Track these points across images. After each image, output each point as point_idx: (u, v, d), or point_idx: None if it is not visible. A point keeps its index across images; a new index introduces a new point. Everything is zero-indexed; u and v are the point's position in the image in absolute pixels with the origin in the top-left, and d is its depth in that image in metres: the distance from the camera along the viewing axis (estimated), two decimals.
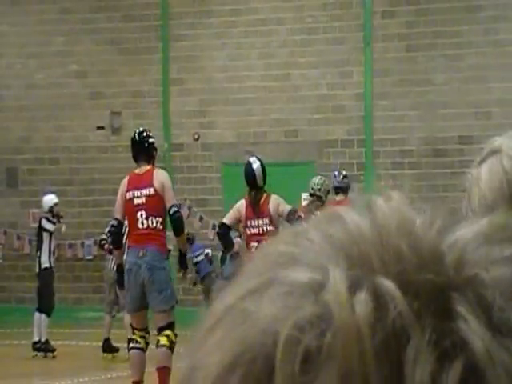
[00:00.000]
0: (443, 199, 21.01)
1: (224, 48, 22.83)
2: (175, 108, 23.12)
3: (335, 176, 13.01)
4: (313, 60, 22.10)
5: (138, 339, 8.96)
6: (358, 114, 21.88)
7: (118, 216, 9.25)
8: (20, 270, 23.44)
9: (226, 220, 10.02)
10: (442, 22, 21.36)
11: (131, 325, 9.04)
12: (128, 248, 9.13)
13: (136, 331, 8.91)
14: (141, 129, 10.25)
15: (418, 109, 21.47)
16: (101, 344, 16.83)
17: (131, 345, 8.80)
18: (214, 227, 22.12)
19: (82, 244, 23.59)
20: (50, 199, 16.48)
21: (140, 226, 9.03)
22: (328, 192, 12.86)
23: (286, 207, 9.98)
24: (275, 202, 9.90)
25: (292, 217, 9.67)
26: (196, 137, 22.93)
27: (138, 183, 9.24)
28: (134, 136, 9.85)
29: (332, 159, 21.81)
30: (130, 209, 9.12)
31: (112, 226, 9.38)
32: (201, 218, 22.72)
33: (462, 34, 21.28)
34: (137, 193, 9.16)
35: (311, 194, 12.14)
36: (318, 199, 11.93)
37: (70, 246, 23.58)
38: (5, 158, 24.01)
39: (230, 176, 22.12)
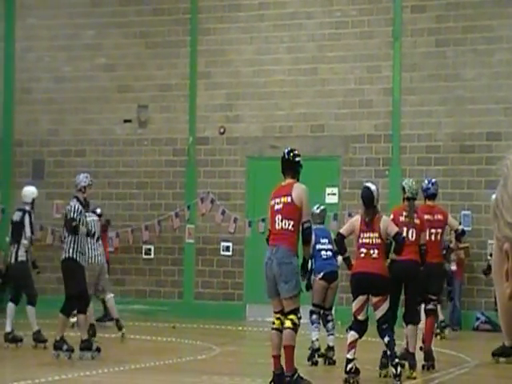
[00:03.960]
0: (468, 196, 19.89)
1: (252, 42, 21.97)
2: (202, 102, 22.25)
3: (432, 183, 12.96)
4: (341, 54, 21.17)
5: (275, 321, 10.05)
6: (386, 109, 20.86)
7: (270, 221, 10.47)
8: (43, 260, 22.41)
9: (343, 231, 11.46)
10: (472, 16, 20.33)
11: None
12: (268, 245, 10.32)
13: (275, 314, 10.09)
14: (290, 148, 11.15)
15: (446, 104, 20.45)
16: (119, 336, 16.28)
17: (272, 326, 10.10)
18: (235, 220, 21.60)
19: None
20: (31, 192, 15.30)
21: (276, 227, 10.21)
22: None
23: (394, 229, 11.23)
24: (385, 223, 11.20)
25: (398, 237, 11.18)
26: (221, 130, 21.99)
27: (279, 192, 10.44)
28: (285, 154, 10.84)
29: (358, 154, 20.92)
30: (272, 213, 10.37)
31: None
32: (223, 212, 21.79)
33: (492, 29, 20.24)
34: (277, 200, 10.34)
35: (409, 198, 12.29)
36: (413, 201, 12.38)
37: None
38: (32, 150, 23.37)
39: (254, 170, 21.62)
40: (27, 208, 14.91)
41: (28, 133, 23.27)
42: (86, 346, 12.88)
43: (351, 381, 10.92)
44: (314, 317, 12.74)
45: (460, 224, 15.79)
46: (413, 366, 11.63)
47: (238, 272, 21.45)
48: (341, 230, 11.64)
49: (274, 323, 10.16)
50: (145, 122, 22.58)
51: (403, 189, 12.35)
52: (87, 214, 13.86)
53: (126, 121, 22.62)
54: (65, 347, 12.81)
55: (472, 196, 19.95)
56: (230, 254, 21.53)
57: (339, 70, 21.06)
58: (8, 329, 14.32)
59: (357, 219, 11.43)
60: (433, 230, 12.35)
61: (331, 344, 12.81)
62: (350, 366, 10.90)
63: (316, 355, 12.73)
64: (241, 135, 21.77)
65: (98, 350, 12.98)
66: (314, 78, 21.25)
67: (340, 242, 11.39)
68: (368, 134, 20.76)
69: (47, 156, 23.16)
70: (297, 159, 10.72)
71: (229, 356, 14.46)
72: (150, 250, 22.13)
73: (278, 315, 10.09)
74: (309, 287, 12.49)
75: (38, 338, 14.34)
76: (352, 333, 11.04)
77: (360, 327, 11.07)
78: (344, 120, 20.93)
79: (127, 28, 22.77)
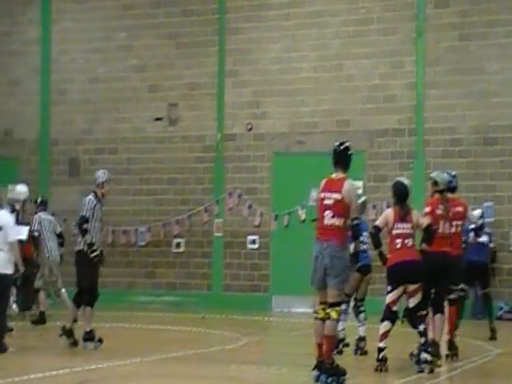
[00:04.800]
0: (491, 187, 19.01)
1: (278, 40, 21.04)
2: (229, 99, 21.38)
3: (453, 176, 12.34)
4: (365, 50, 20.20)
5: (320, 311, 9.82)
6: (410, 103, 19.85)
7: (317, 213, 10.02)
8: None
9: (378, 223, 11.02)
10: (496, 10, 19.20)
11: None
12: (316, 238, 9.93)
13: (319, 304, 9.90)
14: (340, 141, 10.27)
15: (469, 98, 19.35)
16: (153, 327, 16.09)
17: (314, 315, 9.89)
18: (261, 215, 20.99)
19: (136, 231, 21.91)
20: (25, 191, 14.68)
21: (325, 222, 9.83)
22: None
23: (425, 221, 11.00)
24: (416, 216, 10.99)
25: (430, 228, 10.99)
26: (249, 127, 21.21)
27: (330, 187, 9.92)
28: (336, 147, 10.14)
29: (382, 148, 20.01)
30: (321, 207, 9.94)
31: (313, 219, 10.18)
32: (250, 206, 21.07)
33: None
34: (328, 195, 9.89)
35: (443, 190, 11.83)
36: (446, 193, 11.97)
37: (124, 232, 22.01)
38: (68, 148, 22.70)
39: (281, 165, 20.92)
40: (17, 207, 14.41)
41: (64, 132, 22.71)
42: (90, 337, 12.42)
43: (382, 369, 10.60)
44: (343, 307, 12.16)
45: (481, 217, 15.30)
46: (438, 355, 11.31)
47: (264, 264, 20.87)
48: (376, 223, 11.12)
49: (317, 313, 9.91)
50: (175, 120, 21.98)
51: (435, 182, 11.81)
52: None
53: (156, 119, 22.01)
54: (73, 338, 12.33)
55: (495, 187, 19.04)
56: (256, 246, 20.95)
57: (364, 66, 20.18)
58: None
59: (390, 212, 11.02)
60: (453, 222, 11.86)
61: (363, 334, 12.29)
62: (381, 354, 10.63)
63: (341, 345, 12.10)
64: (267, 131, 21.04)
65: (101, 340, 12.51)
66: (339, 74, 20.40)
67: (376, 235, 10.93)
68: (392, 128, 19.94)
69: (82, 154, 22.57)
70: (349, 152, 10.13)
71: (256, 346, 14.02)
72: (180, 243, 21.59)
73: (324, 306, 9.86)
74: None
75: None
76: (386, 323, 10.70)
77: (394, 317, 10.77)
78: (368, 115, 20.08)
79: (157, 29, 22.07)
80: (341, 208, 9.80)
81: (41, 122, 22.97)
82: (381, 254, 10.82)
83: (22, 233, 14.69)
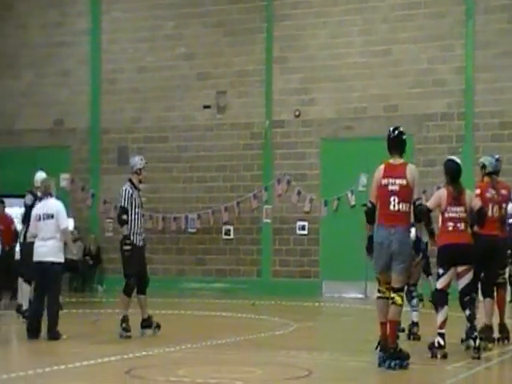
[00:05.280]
0: None
1: (326, 26, 20.76)
2: (277, 86, 21.17)
3: (497, 160, 12.03)
4: (413, 35, 19.85)
5: (384, 290, 9.75)
6: (459, 87, 19.49)
7: (373, 199, 9.85)
8: None
9: (429, 204, 10.61)
10: None
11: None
12: (380, 225, 9.74)
13: (382, 284, 9.83)
14: (394, 127, 10.05)
15: None
16: (203, 313, 15.95)
17: (378, 294, 9.81)
18: (310, 200, 20.75)
19: (186, 218, 21.78)
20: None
21: (392, 208, 9.68)
22: None
23: (478, 203, 10.86)
24: (470, 197, 10.74)
25: (482, 211, 10.86)
26: (297, 113, 20.97)
27: (392, 172, 9.70)
28: (390, 133, 9.91)
29: (431, 132, 19.67)
30: (385, 193, 9.73)
31: (367, 207, 9.89)
32: (299, 192, 20.87)
33: None
34: (391, 181, 9.68)
35: (491, 173, 11.67)
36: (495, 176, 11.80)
37: (175, 219, 21.89)
38: (117, 137, 22.64)
39: (329, 151, 20.66)
40: (38, 193, 14.30)
41: (113, 121, 22.67)
42: (147, 324, 12.23)
43: (443, 354, 10.27)
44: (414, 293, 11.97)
45: None
46: (490, 339, 11.14)
47: (314, 250, 20.65)
48: (428, 204, 10.73)
49: (380, 291, 9.80)
50: (223, 108, 21.81)
51: (483, 166, 11.61)
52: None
53: (205, 107, 21.86)
54: (123, 327, 12.09)
55: None
56: (305, 232, 20.75)
57: (412, 50, 19.83)
58: (20, 301, 14.15)
59: (443, 193, 10.69)
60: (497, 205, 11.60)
61: (415, 319, 12.02)
62: (444, 341, 10.28)
63: (415, 329, 11.95)
64: (315, 117, 20.78)
65: (158, 326, 12.33)
66: (387, 59, 20.07)
67: (427, 215, 10.51)
68: (441, 113, 19.59)
69: (131, 143, 22.49)
70: (403, 137, 9.92)
71: (306, 331, 13.75)
72: (229, 230, 21.45)
73: (387, 286, 9.76)
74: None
75: (19, 310, 14.04)
76: (445, 308, 10.39)
77: (447, 300, 10.47)
78: (417, 99, 19.73)
79: (205, 17, 21.90)
80: (406, 193, 9.65)
81: (91, 111, 22.95)
82: (431, 233, 10.56)
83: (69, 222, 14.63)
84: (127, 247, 11.92)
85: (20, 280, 14.32)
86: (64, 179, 22.72)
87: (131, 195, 12.04)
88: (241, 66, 21.53)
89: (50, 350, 11.23)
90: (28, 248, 13.74)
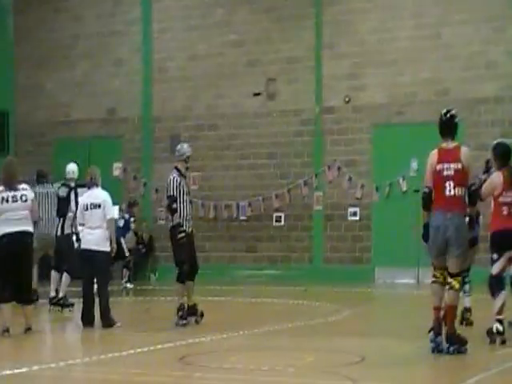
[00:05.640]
0: None
1: (375, 10, 20.49)
2: (327, 72, 20.95)
3: None
4: (465, 17, 19.49)
5: (438, 275, 9.66)
6: (511, 69, 19.09)
7: (429, 184, 9.72)
8: None
9: (485, 191, 10.32)
10: None
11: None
12: (436, 210, 9.63)
13: (437, 269, 9.72)
14: (446, 109, 9.81)
15: None
16: (255, 300, 15.92)
17: (433, 279, 9.73)
18: (362, 186, 20.57)
19: (237, 205, 21.73)
20: (77, 169, 14.42)
21: (447, 193, 9.57)
22: None
23: None
24: None
25: None
26: (347, 99, 20.76)
27: (447, 157, 9.53)
28: (442, 116, 9.73)
29: (483, 116, 19.34)
30: (440, 178, 9.59)
31: (424, 192, 9.76)
32: (350, 179, 20.71)
33: None
34: (446, 165, 9.53)
35: None
36: None
37: (226, 206, 21.85)
38: (169, 125, 22.62)
39: (380, 137, 20.42)
40: (72, 184, 14.29)
41: (165, 110, 22.67)
42: (192, 311, 12.06)
43: (502, 340, 10.08)
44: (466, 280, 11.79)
45: None
46: None
47: (366, 236, 20.46)
48: (482, 190, 10.45)
49: (434, 276, 9.70)
50: (273, 95, 21.67)
51: None
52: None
53: (255, 94, 21.75)
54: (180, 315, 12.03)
55: None
56: (357, 218, 20.59)
57: (463, 33, 19.47)
58: (52, 294, 14.02)
59: (498, 178, 10.37)
60: None
61: (468, 305, 11.81)
62: (502, 327, 10.11)
63: (468, 315, 11.76)
64: (366, 103, 20.54)
65: (202, 315, 12.19)
66: (438, 42, 19.73)
67: (475, 198, 10.31)
68: (493, 96, 19.24)
69: (183, 131, 22.47)
70: (455, 120, 9.72)
71: (358, 317, 13.62)
72: (280, 217, 21.36)
73: (442, 271, 9.67)
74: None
75: (64, 303, 13.94)
76: (503, 292, 10.20)
77: (504, 285, 10.29)
78: (468, 83, 19.40)
79: (255, 4, 21.74)
80: (462, 177, 9.51)
81: (143, 100, 22.98)
82: (471, 219, 10.31)
83: (115, 212, 14.65)
84: (181, 234, 11.92)
85: (53, 272, 14.22)
86: (116, 168, 22.84)
87: (179, 183, 12.01)
88: (290, 53, 21.37)
89: (104, 337, 11.28)
90: (66, 240, 13.83)
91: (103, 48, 23.29)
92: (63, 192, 14.15)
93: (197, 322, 12.05)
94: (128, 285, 18.95)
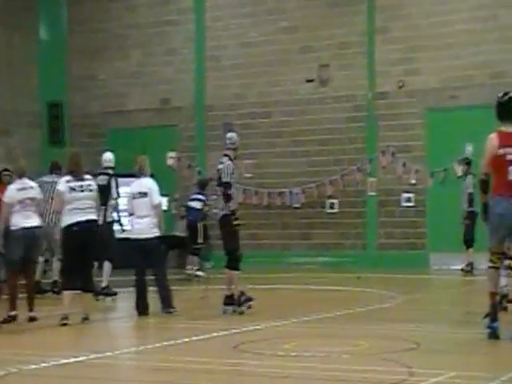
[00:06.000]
0: None
1: None
2: (380, 57, 20.77)
3: None
4: None
5: (495, 260, 9.43)
6: None
7: (486, 170, 9.44)
8: None
9: None
10: None
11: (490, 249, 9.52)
12: (498, 196, 9.35)
13: (494, 254, 9.48)
14: (504, 92, 9.54)
15: None
16: (308, 287, 15.83)
17: (490, 264, 9.45)
18: (416, 172, 20.38)
19: (290, 192, 21.67)
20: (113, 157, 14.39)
21: (511, 178, 9.28)
22: None
23: None
24: None
25: None
26: (400, 84, 20.56)
27: (509, 141, 9.23)
28: (499, 98, 9.44)
29: None
30: (502, 163, 9.28)
31: (482, 178, 9.50)
32: (403, 164, 20.51)
33: None
34: (509, 150, 9.23)
35: None
36: None
37: (279, 194, 21.81)
38: (222, 114, 22.59)
39: (434, 121, 20.19)
40: (111, 172, 14.30)
41: (218, 98, 22.66)
42: (230, 301, 11.95)
43: None
44: (505, 262, 11.54)
45: None
46: None
47: (421, 222, 20.25)
48: None
49: (492, 261, 9.46)
50: (326, 81, 21.55)
51: None
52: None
53: (308, 81, 21.65)
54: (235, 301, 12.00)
55: None
56: (411, 204, 20.40)
57: None
58: (104, 284, 14.05)
59: None
60: None
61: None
62: None
63: (504, 301, 11.51)
64: (419, 87, 20.29)
65: (249, 299, 11.99)
66: (493, 24, 19.41)
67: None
68: None
69: (236, 119, 22.42)
70: None
71: (413, 304, 13.48)
72: (333, 204, 21.25)
73: (499, 255, 9.51)
74: None
75: (108, 293, 14.03)
76: None
77: None
78: None
79: None
80: None
81: (196, 88, 23.03)
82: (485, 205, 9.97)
83: (163, 202, 14.66)
84: (237, 221, 11.95)
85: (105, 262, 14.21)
86: (171, 157, 22.94)
87: (233, 170, 12.02)
88: (343, 38, 21.21)
89: (159, 326, 11.34)
90: (108, 229, 13.88)
91: (156, 37, 23.37)
92: (103, 180, 14.17)
93: (234, 311, 11.92)
94: (199, 273, 18.44)
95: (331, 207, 21.26)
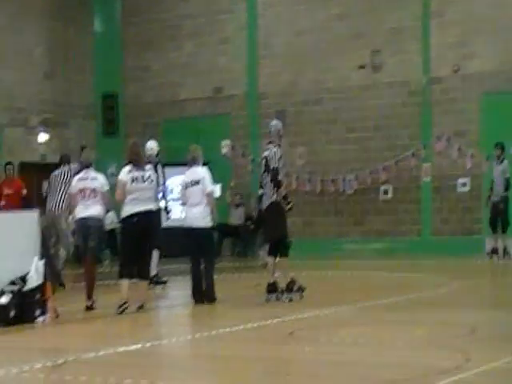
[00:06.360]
0: None
1: None
2: (435, 41, 20.49)
3: None
4: None
5: None
6: None
7: None
8: None
9: None
10: None
11: None
12: None
13: None
14: None
15: None
16: (363, 274, 15.76)
17: None
18: (472, 157, 20.10)
19: (344, 179, 21.53)
20: (155, 146, 14.26)
21: None
22: None
23: None
24: None
25: None
26: (456, 68, 20.25)
27: None
28: None
29: None
30: None
31: None
32: (459, 149, 20.24)
33: None
34: None
35: None
36: None
37: (333, 181, 21.69)
38: (275, 101, 22.51)
39: (490, 106, 19.88)
40: (154, 160, 14.24)
41: (271, 86, 22.59)
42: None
43: None
44: None
45: None
46: None
47: (477, 207, 19.91)
48: None
49: None
50: (379, 67, 21.33)
51: None
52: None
53: (360, 67, 21.46)
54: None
55: None
56: (467, 189, 20.12)
57: None
58: (153, 272, 13.92)
59: None
60: None
61: None
62: None
63: None
64: (475, 71, 19.98)
65: (302, 289, 11.87)
66: None
67: None
68: None
69: (289, 106, 22.38)
70: None
71: (469, 289, 13.31)
72: (387, 190, 21.07)
73: None
74: None
75: (158, 281, 14.03)
76: None
77: None
78: None
79: None
80: None
81: (248, 77, 23.00)
82: None
83: (216, 190, 14.62)
84: (290, 205, 11.90)
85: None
86: (225, 146, 22.95)
87: (280, 157, 11.96)
88: (396, 23, 20.96)
89: (214, 313, 11.35)
90: (157, 217, 13.83)
91: (209, 27, 23.38)
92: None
93: (278, 298, 11.82)
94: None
95: (385, 193, 21.08)
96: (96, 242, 11.57)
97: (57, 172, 14.35)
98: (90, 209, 11.54)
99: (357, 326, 9.58)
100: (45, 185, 14.66)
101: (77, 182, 11.71)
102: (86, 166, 11.87)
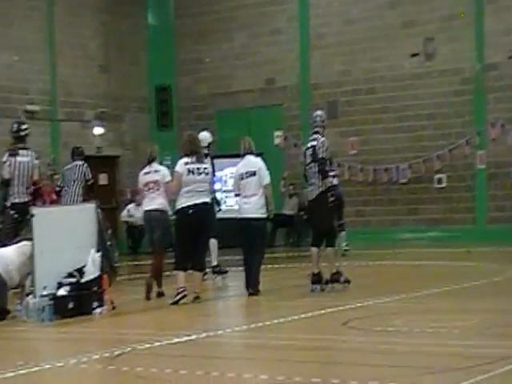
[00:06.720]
0: None
1: None
2: (489, 27, 20.20)
3: None
4: None
5: None
6: None
7: None
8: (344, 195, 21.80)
9: None
10: None
11: None
12: None
13: None
14: None
15: None
16: (417, 263, 15.56)
17: None
18: None
19: (397, 168, 21.36)
20: (208, 136, 14.13)
21: None
22: None
23: None
24: None
25: None
26: (510, 54, 19.96)
27: None
28: None
29: None
30: None
31: None
32: None
33: None
34: None
35: None
36: None
37: (386, 170, 21.55)
38: (326, 92, 22.42)
39: None
40: (205, 151, 14.18)
41: (323, 76, 22.50)
42: (335, 278, 11.78)
43: None
44: None
45: None
46: None
47: None
48: None
49: None
50: (432, 55, 21.12)
51: None
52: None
53: (413, 55, 21.25)
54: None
55: None
56: None
57: None
58: (214, 263, 13.99)
59: None
60: None
61: None
62: None
63: None
64: None
65: (348, 281, 11.86)
66: None
67: None
68: None
69: (340, 96, 22.29)
70: None
71: None
72: (441, 178, 20.88)
73: None
74: None
75: (220, 271, 14.06)
76: None
77: None
78: None
79: None
80: None
81: (300, 67, 22.93)
82: None
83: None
84: (334, 197, 11.82)
85: (212, 240, 13.97)
86: (277, 137, 22.93)
87: (327, 148, 11.86)
88: (448, 10, 20.74)
89: (268, 304, 11.26)
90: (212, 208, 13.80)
91: (261, 18, 23.36)
92: None
93: (323, 289, 11.73)
94: (347, 247, 17.66)
95: (439, 182, 20.88)
96: (161, 234, 11.69)
97: (70, 166, 14.30)
98: (154, 201, 11.74)
99: (411, 315, 9.51)
100: (59, 178, 14.72)
101: (142, 177, 11.95)
102: (150, 160, 11.97)
